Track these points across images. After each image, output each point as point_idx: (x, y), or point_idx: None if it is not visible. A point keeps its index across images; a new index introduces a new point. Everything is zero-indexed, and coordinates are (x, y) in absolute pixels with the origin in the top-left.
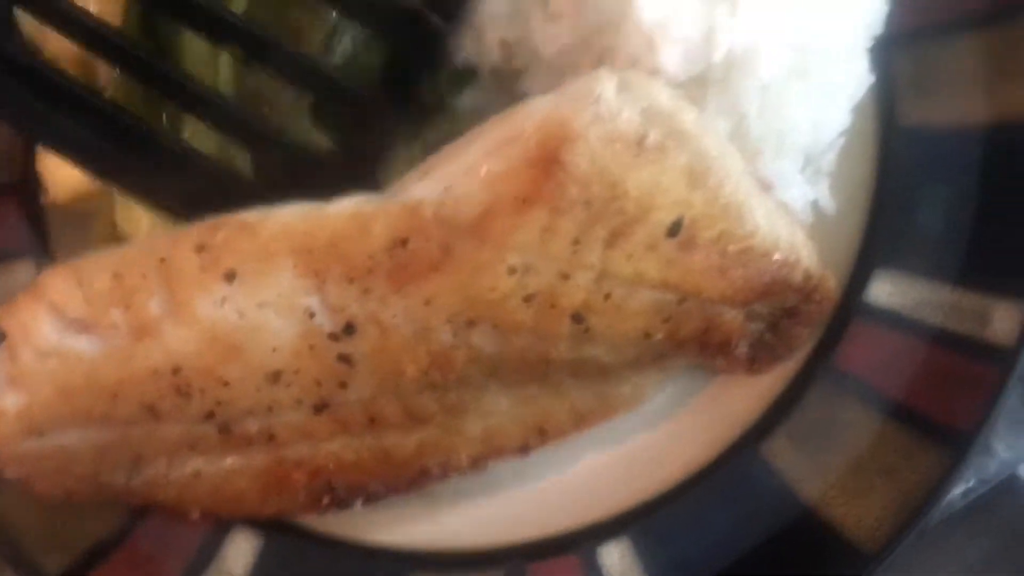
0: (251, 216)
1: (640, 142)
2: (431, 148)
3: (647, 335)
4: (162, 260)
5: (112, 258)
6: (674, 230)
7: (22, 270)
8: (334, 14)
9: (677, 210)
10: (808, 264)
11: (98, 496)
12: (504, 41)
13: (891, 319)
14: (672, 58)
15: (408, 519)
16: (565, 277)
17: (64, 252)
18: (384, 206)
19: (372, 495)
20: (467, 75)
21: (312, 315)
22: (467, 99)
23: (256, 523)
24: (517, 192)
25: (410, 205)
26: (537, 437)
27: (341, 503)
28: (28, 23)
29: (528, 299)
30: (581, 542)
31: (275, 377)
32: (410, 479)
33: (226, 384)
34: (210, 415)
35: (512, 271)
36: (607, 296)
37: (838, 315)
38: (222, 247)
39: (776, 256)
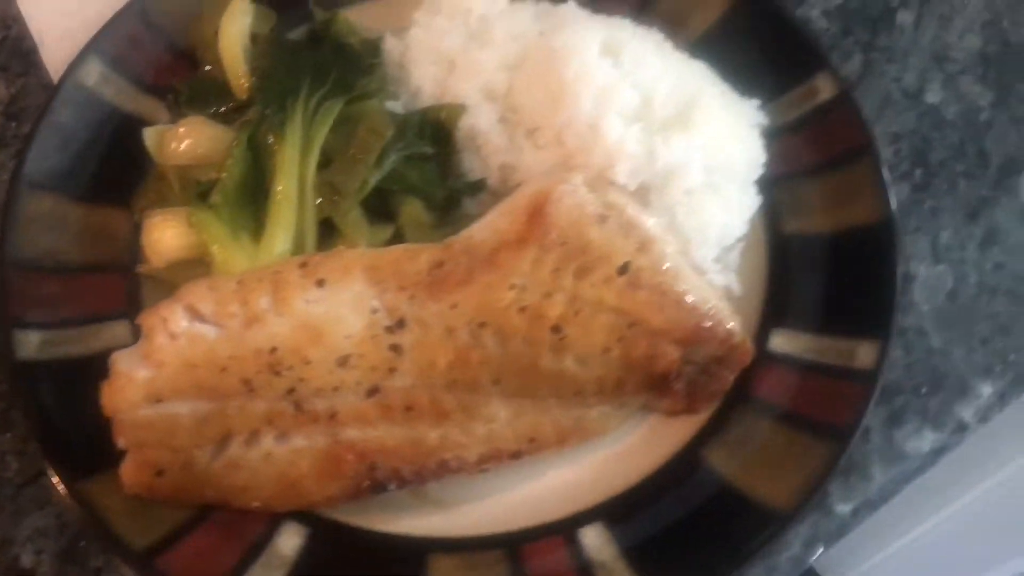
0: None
1: (603, 221)
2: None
3: (606, 350)
4: (275, 272)
5: (239, 274)
6: (623, 270)
7: (119, 328)
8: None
9: (626, 259)
10: (731, 325)
11: (176, 487)
12: (503, 164)
13: (787, 360)
14: (625, 169)
15: (426, 515)
16: (548, 295)
17: None
18: (428, 244)
19: (403, 480)
20: (479, 185)
21: (375, 311)
22: (472, 206)
23: (302, 517)
24: (516, 235)
25: (446, 243)
26: (528, 445)
27: (378, 487)
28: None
29: (522, 310)
30: (565, 527)
31: (344, 360)
32: (433, 468)
33: (308, 363)
34: (291, 391)
35: (512, 287)
36: (577, 312)
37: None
38: (318, 264)
39: (702, 309)
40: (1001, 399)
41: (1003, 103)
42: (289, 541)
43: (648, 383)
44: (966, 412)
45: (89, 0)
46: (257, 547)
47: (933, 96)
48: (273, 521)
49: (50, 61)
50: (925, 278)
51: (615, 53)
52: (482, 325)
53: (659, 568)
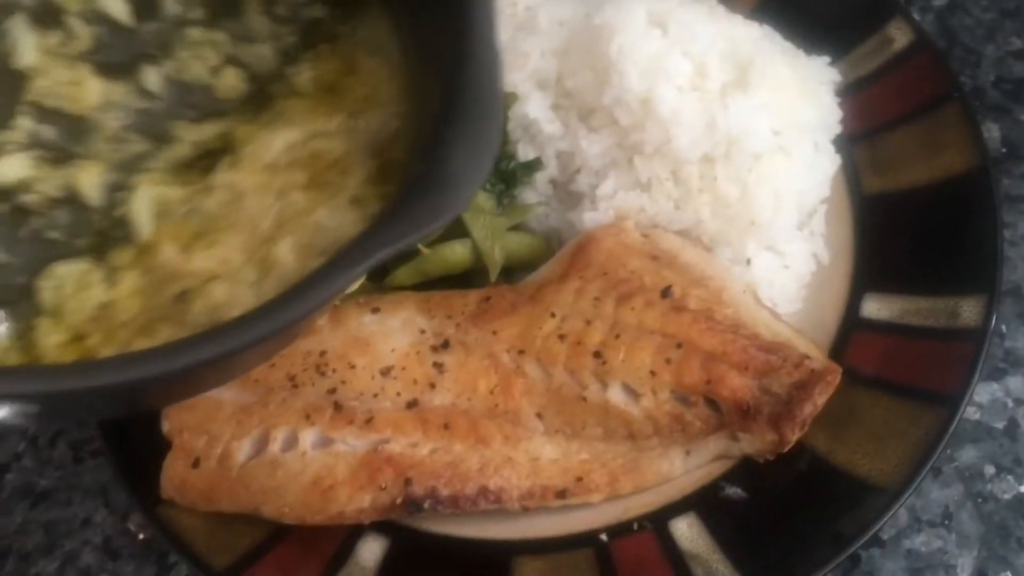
0: None
1: (653, 260)
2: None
3: (653, 372)
4: (335, 306)
5: None
6: (665, 293)
7: None
8: None
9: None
10: (807, 350)
11: (210, 483)
12: (560, 151)
13: (882, 326)
14: (685, 141)
15: (509, 520)
16: (588, 323)
17: None
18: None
19: (439, 500)
20: (534, 164)
21: (422, 331)
22: (533, 195)
23: (382, 527)
24: (560, 272)
25: (494, 285)
26: (576, 485)
27: (413, 504)
28: None
29: (562, 337)
30: (655, 520)
31: (387, 371)
32: (472, 494)
33: (352, 367)
34: (332, 391)
35: (553, 316)
36: (618, 336)
37: (842, 328)
38: (376, 299)
39: (765, 336)
40: None
41: None
42: (370, 552)
43: (719, 422)
44: None
45: None
46: (338, 560)
47: None
48: (353, 533)
49: None
50: None
51: (662, 23)
52: (522, 352)
53: (757, 557)
